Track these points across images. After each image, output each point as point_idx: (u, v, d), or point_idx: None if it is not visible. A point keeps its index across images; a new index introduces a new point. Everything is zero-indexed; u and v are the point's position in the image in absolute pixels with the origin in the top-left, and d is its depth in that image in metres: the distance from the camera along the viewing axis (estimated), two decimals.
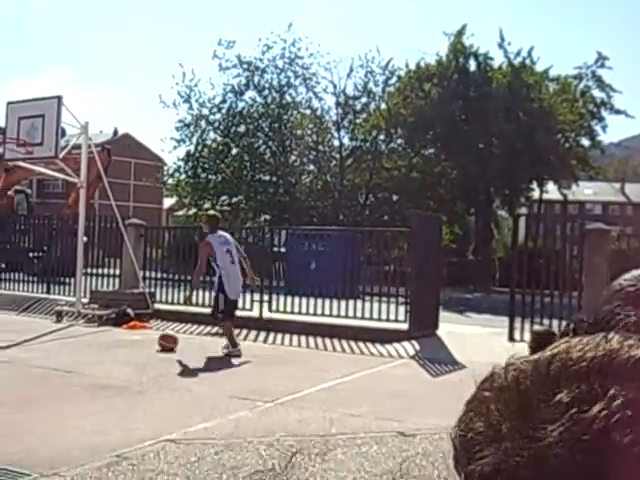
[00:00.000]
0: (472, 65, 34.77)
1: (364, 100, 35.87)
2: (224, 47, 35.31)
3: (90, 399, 8.24)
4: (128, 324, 13.97)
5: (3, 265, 20.15)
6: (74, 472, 5.59)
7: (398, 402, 8.33)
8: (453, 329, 14.08)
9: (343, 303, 13.82)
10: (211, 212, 14.27)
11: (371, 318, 13.51)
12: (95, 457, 5.92)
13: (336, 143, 36.33)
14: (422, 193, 33.82)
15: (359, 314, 13.66)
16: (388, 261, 16.14)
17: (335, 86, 35.42)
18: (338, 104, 35.62)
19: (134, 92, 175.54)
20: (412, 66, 35.28)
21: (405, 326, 12.92)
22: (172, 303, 15.59)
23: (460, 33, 34.36)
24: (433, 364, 10.91)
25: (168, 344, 11.52)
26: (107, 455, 5.98)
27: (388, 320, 13.29)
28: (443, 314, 14.52)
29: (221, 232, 11.86)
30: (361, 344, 12.43)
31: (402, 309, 13.37)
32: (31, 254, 20.57)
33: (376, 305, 13.69)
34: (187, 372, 9.98)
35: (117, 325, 13.96)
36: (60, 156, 14.72)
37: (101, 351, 11.58)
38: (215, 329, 13.73)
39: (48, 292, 17.61)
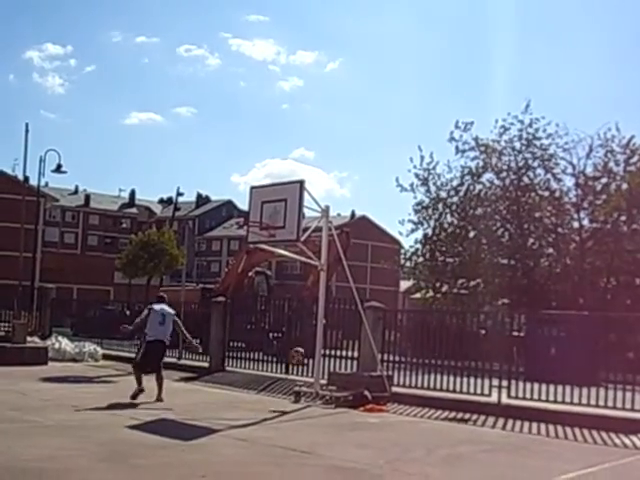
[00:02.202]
0: None
1: (604, 180, 34.81)
2: (461, 129, 35.54)
3: None
4: (365, 407, 14.09)
5: (243, 345, 20.72)
6: None
7: None
8: None
9: (583, 391, 13.34)
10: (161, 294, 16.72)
11: (614, 407, 12.98)
12: None
13: (576, 225, 35.40)
14: None
15: (601, 402, 13.16)
16: (631, 347, 15.48)
17: (574, 167, 34.68)
18: (577, 185, 34.77)
19: (370, 175, 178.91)
20: None
21: None
22: (410, 386, 15.64)
23: None
24: None
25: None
26: None
27: (633, 410, 12.72)
28: None
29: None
30: (603, 434, 11.94)
31: None
32: (270, 335, 21.23)
33: (619, 393, 13.14)
34: (423, 457, 9.89)
35: (354, 407, 14.08)
36: (302, 239, 15.03)
37: (339, 433, 11.73)
38: (453, 414, 13.66)
39: (287, 372, 18.09)
